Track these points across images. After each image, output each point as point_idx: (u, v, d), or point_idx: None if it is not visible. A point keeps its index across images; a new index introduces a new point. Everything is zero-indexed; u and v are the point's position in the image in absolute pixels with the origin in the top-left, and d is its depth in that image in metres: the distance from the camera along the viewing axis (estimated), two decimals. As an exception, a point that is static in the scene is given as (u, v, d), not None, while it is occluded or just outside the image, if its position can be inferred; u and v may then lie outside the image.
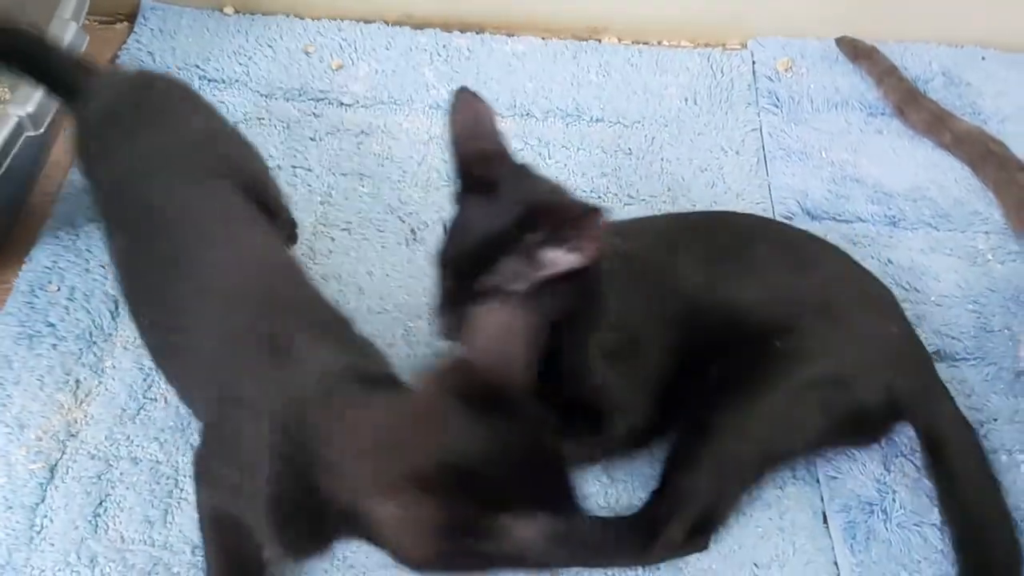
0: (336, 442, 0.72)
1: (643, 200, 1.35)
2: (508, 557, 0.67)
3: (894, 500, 1.09)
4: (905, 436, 1.13)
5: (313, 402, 0.76)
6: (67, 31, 1.25)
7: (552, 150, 1.40)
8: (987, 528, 1.03)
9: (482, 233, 0.90)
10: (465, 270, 0.90)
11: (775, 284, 1.05)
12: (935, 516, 1.08)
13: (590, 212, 0.85)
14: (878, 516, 1.08)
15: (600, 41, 1.59)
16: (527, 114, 1.45)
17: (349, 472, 0.70)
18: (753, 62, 1.54)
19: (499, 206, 0.90)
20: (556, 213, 0.87)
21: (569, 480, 0.68)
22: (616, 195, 1.36)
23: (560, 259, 0.87)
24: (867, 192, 1.36)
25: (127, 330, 1.20)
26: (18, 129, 1.12)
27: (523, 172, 0.94)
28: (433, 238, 1.25)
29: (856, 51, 1.51)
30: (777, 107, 1.47)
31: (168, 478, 1.09)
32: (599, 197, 1.35)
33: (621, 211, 1.32)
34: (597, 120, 1.44)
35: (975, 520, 1.03)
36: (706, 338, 1.02)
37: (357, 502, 0.69)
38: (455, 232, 0.92)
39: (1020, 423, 1.15)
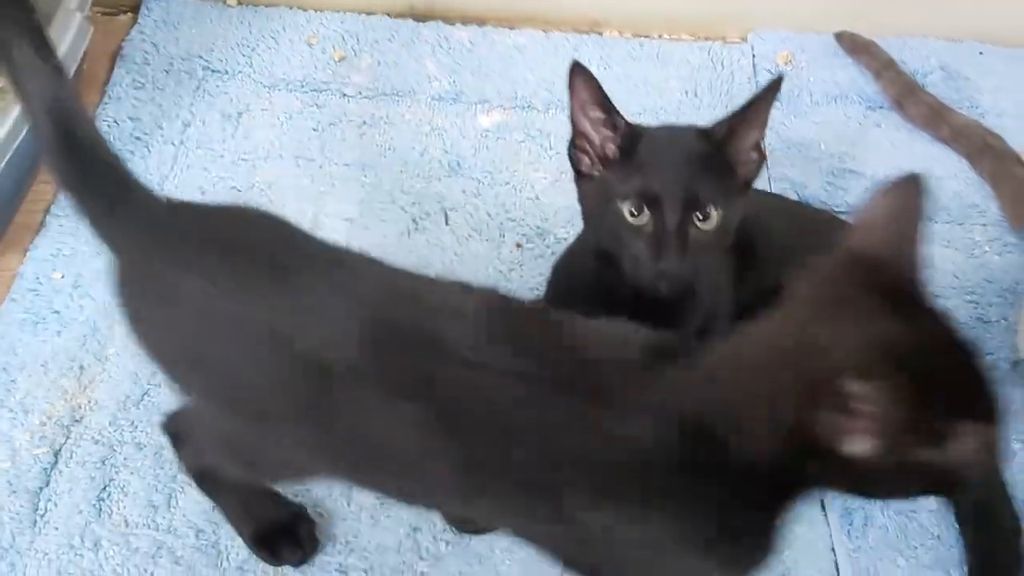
0: (742, 390, 0.63)
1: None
2: (945, 472, 0.59)
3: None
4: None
5: (679, 383, 0.66)
6: (72, 22, 1.26)
7: (554, 141, 1.41)
8: (990, 503, 1.04)
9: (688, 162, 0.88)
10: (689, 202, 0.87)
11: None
12: (931, 502, 1.09)
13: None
14: (875, 502, 1.08)
15: (601, 34, 1.60)
16: (528, 106, 1.46)
17: (773, 408, 0.60)
18: (753, 55, 1.55)
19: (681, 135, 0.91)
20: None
21: (990, 382, 0.59)
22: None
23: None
24: (865, 184, 1.37)
25: (130, 317, 1.20)
26: (22, 118, 1.13)
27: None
28: (435, 228, 1.26)
29: (855, 45, 1.52)
30: (777, 101, 1.47)
31: (172, 463, 1.10)
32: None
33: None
34: (598, 112, 1.44)
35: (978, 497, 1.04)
36: None
37: (790, 432, 0.59)
38: (657, 168, 0.88)
39: (1018, 411, 1.15)
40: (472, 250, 1.29)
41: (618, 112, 0.90)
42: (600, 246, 0.93)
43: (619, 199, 0.88)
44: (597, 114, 0.90)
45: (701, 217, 0.88)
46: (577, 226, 1.20)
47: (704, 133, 0.91)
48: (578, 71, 0.88)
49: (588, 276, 0.97)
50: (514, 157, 1.39)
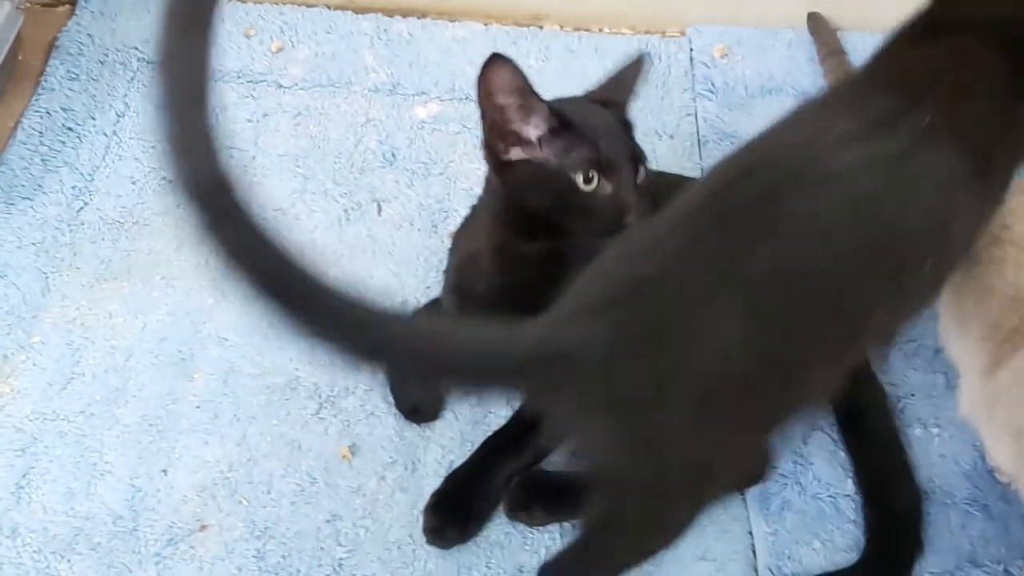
0: None
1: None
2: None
3: (809, 472, 1.11)
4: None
5: None
6: (1, 11, 1.26)
7: (489, 133, 1.41)
8: (892, 478, 1.06)
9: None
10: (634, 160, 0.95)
11: None
12: (849, 487, 1.10)
13: None
14: (793, 487, 1.10)
15: (541, 27, 1.60)
16: (466, 98, 1.46)
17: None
18: (691, 49, 1.56)
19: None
20: None
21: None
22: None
23: None
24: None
25: (57, 307, 1.20)
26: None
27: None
28: (367, 219, 1.27)
29: (818, 27, 1.54)
30: (712, 93, 1.49)
31: (93, 451, 1.10)
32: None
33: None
34: (535, 104, 1.45)
35: (880, 471, 1.07)
36: None
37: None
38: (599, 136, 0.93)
39: (938, 397, 1.17)
40: (404, 241, 1.29)
41: (537, 94, 0.91)
42: (527, 225, 0.95)
43: (569, 171, 0.91)
44: (519, 100, 0.92)
45: (642, 175, 0.95)
46: None
47: (602, 102, 0.99)
48: (498, 62, 0.90)
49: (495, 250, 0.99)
50: (450, 148, 1.39)
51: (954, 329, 1.10)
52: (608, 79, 1.05)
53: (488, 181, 1.01)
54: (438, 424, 1.13)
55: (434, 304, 1.18)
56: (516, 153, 0.95)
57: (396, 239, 1.29)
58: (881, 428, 1.10)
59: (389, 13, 1.58)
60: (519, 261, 0.97)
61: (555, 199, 0.93)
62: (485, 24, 1.58)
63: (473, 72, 1.49)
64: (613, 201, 0.92)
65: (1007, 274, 1.01)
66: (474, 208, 1.10)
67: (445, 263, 1.15)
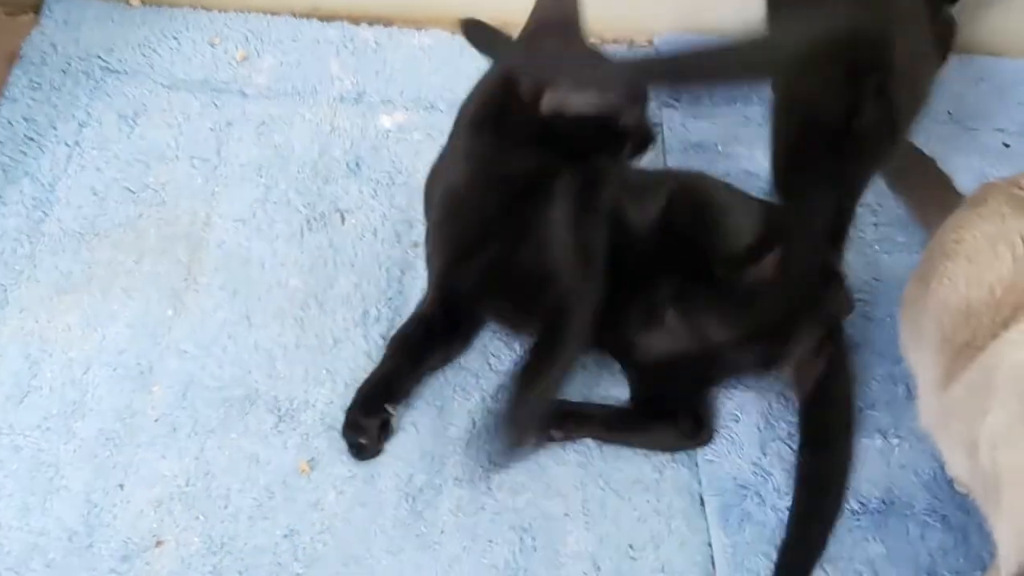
0: None
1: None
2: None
3: (769, 483, 1.11)
4: (783, 421, 1.16)
5: None
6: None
7: (454, 142, 1.41)
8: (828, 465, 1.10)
9: None
10: None
11: None
12: (808, 499, 1.10)
13: None
14: (752, 499, 1.10)
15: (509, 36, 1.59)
16: (431, 107, 1.46)
17: None
18: (658, 57, 1.56)
19: None
20: None
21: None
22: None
23: None
24: (760, 184, 1.37)
25: (15, 319, 1.19)
26: None
27: None
28: (330, 229, 1.26)
29: None
30: (677, 102, 1.49)
31: (49, 465, 1.09)
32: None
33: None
34: (501, 113, 1.45)
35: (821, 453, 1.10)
36: None
37: None
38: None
39: (898, 407, 1.18)
40: (367, 251, 1.29)
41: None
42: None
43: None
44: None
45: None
46: None
47: None
48: None
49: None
50: (415, 157, 1.39)
51: (911, 342, 1.11)
52: None
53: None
54: (398, 438, 1.13)
55: (415, 323, 1.18)
56: None
57: (359, 250, 1.28)
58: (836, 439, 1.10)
59: (355, 21, 1.58)
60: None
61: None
62: (452, 32, 1.57)
63: (439, 80, 1.51)
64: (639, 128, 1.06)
65: (959, 288, 1.01)
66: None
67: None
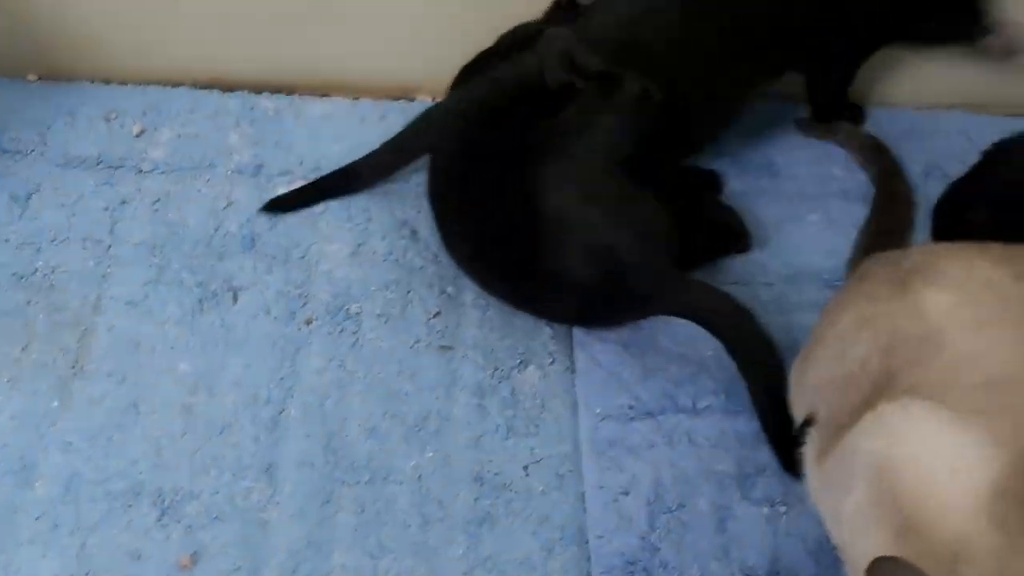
0: None
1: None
2: None
3: (656, 558, 1.11)
4: (673, 491, 1.16)
5: None
6: None
7: (354, 212, 1.41)
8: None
9: None
10: None
11: None
12: (696, 571, 1.11)
13: None
14: (639, 575, 1.10)
15: (413, 100, 1.60)
16: (330, 176, 1.45)
17: None
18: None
19: None
20: None
21: None
22: (420, 253, 1.36)
23: None
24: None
25: None
26: None
27: None
28: (222, 308, 1.25)
29: None
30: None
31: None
32: (403, 255, 1.36)
33: (424, 270, 1.34)
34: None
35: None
36: None
37: None
38: None
39: (786, 475, 1.18)
40: (259, 331, 1.28)
41: None
42: None
43: None
44: None
45: None
46: (371, 298, 1.28)
47: None
48: None
49: None
50: (311, 230, 1.39)
51: (797, 416, 1.12)
52: None
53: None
54: (283, 525, 1.12)
55: None
56: None
57: (251, 329, 1.28)
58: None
59: (257, 90, 1.57)
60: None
61: None
62: (354, 99, 1.57)
63: (339, 149, 1.50)
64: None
65: (831, 368, 1.03)
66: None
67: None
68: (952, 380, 0.92)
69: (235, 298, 1.31)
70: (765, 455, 1.20)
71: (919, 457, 0.87)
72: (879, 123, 1.59)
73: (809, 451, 1.06)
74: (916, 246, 1.10)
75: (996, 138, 1.46)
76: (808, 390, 1.08)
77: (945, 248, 1.06)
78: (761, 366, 1.19)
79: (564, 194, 1.17)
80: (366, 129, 1.53)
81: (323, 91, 1.60)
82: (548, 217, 1.17)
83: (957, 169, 1.45)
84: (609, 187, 1.20)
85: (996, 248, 1.02)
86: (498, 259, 1.23)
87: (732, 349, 1.20)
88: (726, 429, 1.22)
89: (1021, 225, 1.23)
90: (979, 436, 0.86)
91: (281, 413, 1.21)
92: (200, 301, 1.30)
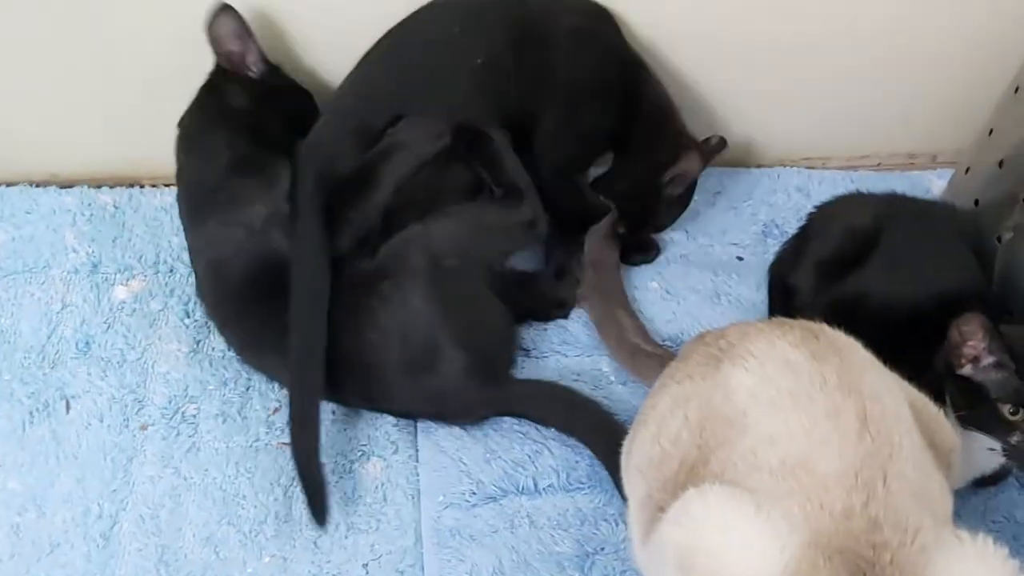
0: None
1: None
2: None
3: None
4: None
5: None
6: None
7: (193, 307, 1.40)
8: None
9: None
10: None
11: None
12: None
13: None
14: None
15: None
16: (171, 270, 1.44)
17: None
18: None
19: None
20: None
21: None
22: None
23: None
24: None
25: None
26: None
27: None
28: (54, 419, 1.22)
29: None
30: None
31: None
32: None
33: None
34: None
35: None
36: None
37: None
38: None
39: (624, 552, 1.19)
40: (92, 441, 1.26)
41: None
42: None
43: None
44: None
45: None
46: (209, 397, 1.26)
47: None
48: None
49: None
50: (150, 330, 1.37)
51: (627, 495, 1.13)
52: None
53: None
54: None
55: None
56: None
57: (83, 440, 1.25)
58: None
59: (96, 184, 1.55)
60: None
61: None
62: (196, 187, 1.55)
63: (180, 242, 1.48)
64: None
65: (648, 450, 1.04)
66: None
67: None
68: (753, 462, 0.94)
69: (67, 407, 1.28)
70: (605, 532, 1.21)
71: (715, 548, 0.89)
72: (721, 181, 1.63)
73: (635, 530, 1.07)
74: (732, 325, 1.12)
75: (832, 194, 1.52)
76: (633, 470, 1.10)
77: (756, 328, 1.08)
78: (603, 441, 1.21)
79: (387, 298, 1.20)
80: (209, 218, 1.51)
81: (166, 180, 1.58)
82: (371, 318, 1.18)
83: (794, 227, 1.50)
84: (441, 292, 1.22)
85: (799, 327, 1.05)
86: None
87: (569, 434, 1.22)
88: (567, 508, 1.23)
89: (839, 288, 1.28)
90: (774, 523, 0.88)
91: (113, 527, 1.18)
92: (31, 413, 1.27)
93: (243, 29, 1.32)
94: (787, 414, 0.95)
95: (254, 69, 1.35)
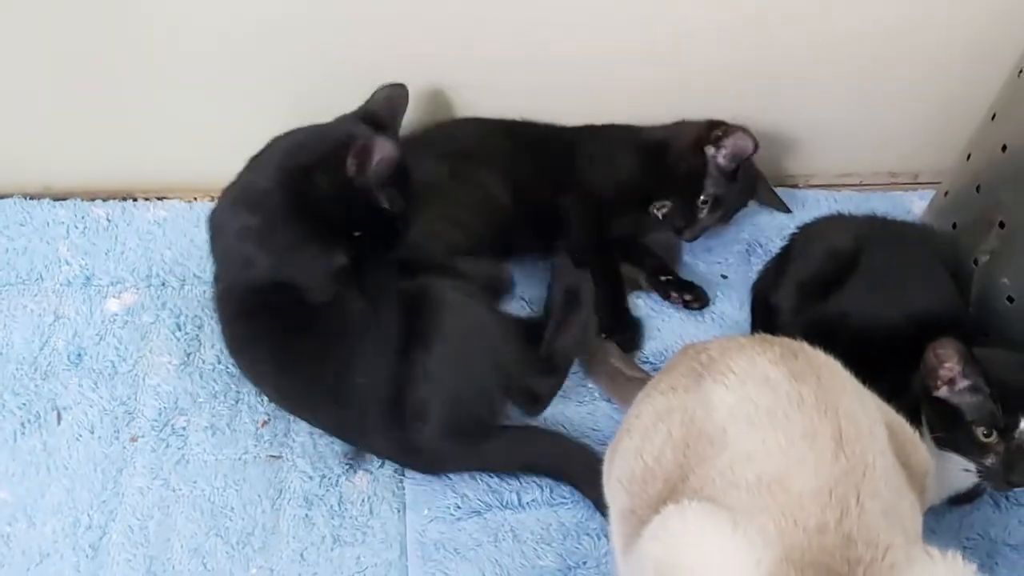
0: None
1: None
2: None
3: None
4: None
5: None
6: None
7: (185, 321, 1.41)
8: None
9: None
10: None
11: None
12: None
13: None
14: None
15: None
16: (163, 284, 1.46)
17: None
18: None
19: None
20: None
21: None
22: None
23: None
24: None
25: None
26: None
27: None
28: (45, 430, 1.23)
29: None
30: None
31: None
32: (233, 363, 1.35)
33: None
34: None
35: None
36: None
37: None
38: None
39: (606, 566, 1.21)
40: (82, 452, 1.27)
41: None
42: None
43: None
44: None
45: None
46: (199, 410, 1.28)
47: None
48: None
49: None
50: (141, 342, 1.38)
51: (610, 506, 1.15)
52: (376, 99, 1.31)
53: None
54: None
55: None
56: None
57: (74, 451, 1.26)
58: None
59: (89, 197, 1.57)
60: None
61: None
62: (190, 201, 1.58)
63: (172, 255, 1.50)
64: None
65: (630, 462, 1.06)
66: None
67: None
68: (730, 479, 0.96)
69: (59, 418, 1.30)
70: (587, 546, 1.23)
71: (693, 564, 0.91)
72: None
73: (616, 541, 1.09)
74: (715, 340, 1.15)
75: (815, 213, 1.55)
76: (614, 481, 1.11)
77: (737, 344, 1.10)
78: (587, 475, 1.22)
79: (374, 350, 1.20)
80: (200, 232, 1.52)
81: (158, 193, 1.60)
82: (363, 364, 1.20)
83: (777, 246, 1.53)
84: (436, 342, 1.21)
85: (779, 345, 1.07)
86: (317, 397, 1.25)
87: (558, 479, 1.26)
88: (550, 522, 1.25)
89: (820, 309, 1.30)
90: (750, 538, 0.90)
91: (103, 538, 1.19)
92: (23, 424, 1.29)
93: None
94: (765, 432, 0.97)
95: None
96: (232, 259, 1.22)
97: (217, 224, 1.25)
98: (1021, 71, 1.30)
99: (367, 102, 1.31)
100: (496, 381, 1.23)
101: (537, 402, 1.29)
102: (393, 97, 1.30)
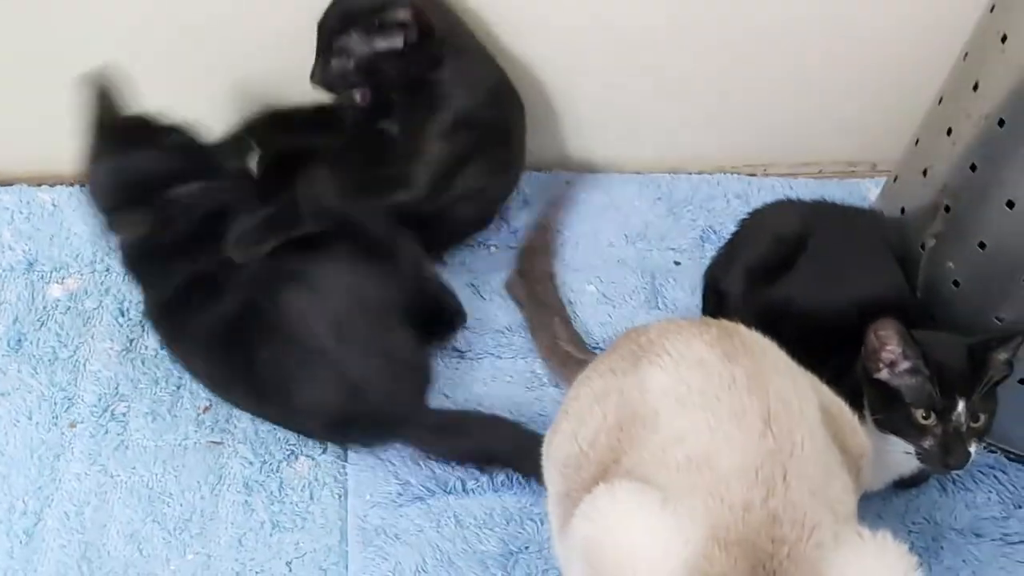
0: None
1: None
2: None
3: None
4: (437, 577, 1.17)
5: None
6: None
7: (128, 306, 1.40)
8: None
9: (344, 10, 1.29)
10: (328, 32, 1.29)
11: None
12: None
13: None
14: None
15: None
16: (108, 270, 1.45)
17: None
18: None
19: None
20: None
21: None
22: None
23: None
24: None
25: None
26: None
27: None
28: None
29: None
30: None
31: None
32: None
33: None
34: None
35: None
36: None
37: None
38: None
39: (548, 551, 1.20)
40: (20, 437, 1.25)
41: None
42: None
43: None
44: None
45: None
46: (140, 396, 1.27)
47: None
48: None
49: None
50: (84, 328, 1.37)
51: (548, 489, 1.14)
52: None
53: None
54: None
55: None
56: None
57: (11, 436, 1.25)
58: None
59: (35, 182, 1.55)
60: None
61: None
62: (137, 186, 1.55)
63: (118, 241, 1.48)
64: None
65: (565, 445, 1.06)
66: None
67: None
68: (661, 459, 0.96)
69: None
70: (530, 531, 1.22)
71: (620, 542, 0.90)
72: (660, 187, 1.65)
73: (554, 523, 1.08)
74: (656, 323, 1.14)
75: (771, 200, 1.55)
76: (552, 464, 1.11)
77: (676, 326, 1.10)
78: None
79: (312, 323, 1.20)
80: (148, 219, 1.51)
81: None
82: (294, 345, 1.20)
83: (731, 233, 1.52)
84: (359, 320, 1.22)
85: (716, 327, 1.07)
86: (248, 382, 1.24)
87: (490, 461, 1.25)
88: (494, 507, 1.24)
89: (767, 294, 1.30)
90: (677, 518, 0.89)
91: (37, 524, 1.18)
92: (-43, 429, 1.26)
93: None
94: (695, 412, 0.96)
95: None
96: None
97: None
98: (966, 54, 1.30)
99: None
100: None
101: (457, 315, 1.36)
102: None
